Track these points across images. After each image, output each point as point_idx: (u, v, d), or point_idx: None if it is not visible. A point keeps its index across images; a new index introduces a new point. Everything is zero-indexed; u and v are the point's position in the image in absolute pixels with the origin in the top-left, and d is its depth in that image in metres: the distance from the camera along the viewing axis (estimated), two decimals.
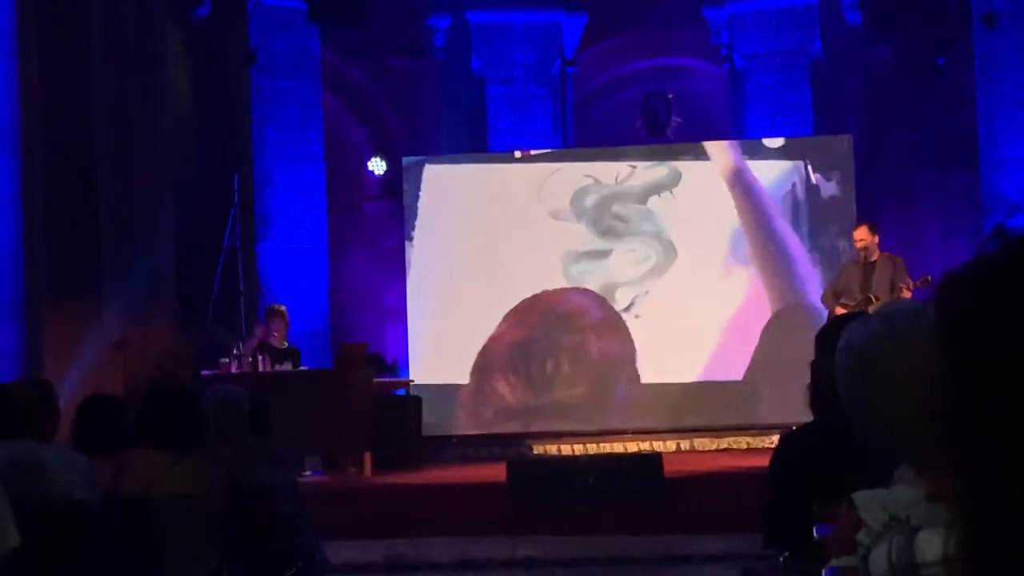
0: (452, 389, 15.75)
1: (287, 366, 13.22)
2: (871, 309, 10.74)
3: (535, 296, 15.92)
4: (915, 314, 2.32)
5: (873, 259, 12.89)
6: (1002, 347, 0.85)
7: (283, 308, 13.93)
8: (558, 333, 15.86)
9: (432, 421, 14.95)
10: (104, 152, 13.64)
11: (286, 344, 13.67)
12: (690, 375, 15.60)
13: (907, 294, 12.34)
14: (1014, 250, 0.91)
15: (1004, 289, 0.89)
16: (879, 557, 1.82)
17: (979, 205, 16.58)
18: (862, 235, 13.09)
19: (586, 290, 15.93)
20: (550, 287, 15.92)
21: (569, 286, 15.92)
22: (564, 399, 15.72)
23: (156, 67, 14.57)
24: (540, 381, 15.79)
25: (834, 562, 2.41)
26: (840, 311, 12.11)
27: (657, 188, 15.99)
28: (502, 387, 15.83)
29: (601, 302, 15.89)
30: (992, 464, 0.83)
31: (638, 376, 15.70)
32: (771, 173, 15.87)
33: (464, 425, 15.73)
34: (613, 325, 15.83)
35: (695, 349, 15.60)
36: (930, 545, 1.76)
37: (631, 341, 15.75)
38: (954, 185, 17.65)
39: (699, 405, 15.40)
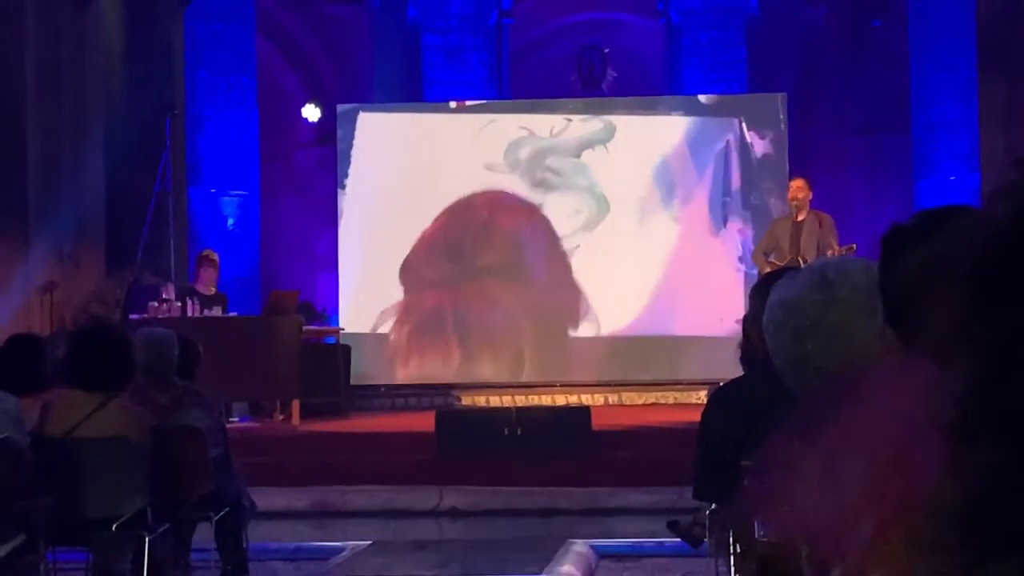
0: (382, 338, 15.73)
1: (215, 311, 13.14)
2: None
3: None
4: (844, 268, 2.34)
5: (802, 217, 12.66)
6: None
7: (215, 255, 13.83)
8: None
9: (361, 370, 14.92)
10: (34, 92, 13.46)
11: (214, 290, 13.58)
12: (620, 329, 15.65)
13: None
14: None
15: None
16: None
17: (909, 168, 16.70)
18: (799, 188, 12.76)
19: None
20: None
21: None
22: (490, 351, 15.74)
23: (88, 7, 14.37)
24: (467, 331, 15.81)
25: None
26: (769, 269, 12.04)
27: (591, 142, 15.98)
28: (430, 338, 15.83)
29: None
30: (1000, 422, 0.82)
31: (566, 330, 15.73)
32: (705, 130, 15.90)
33: (393, 375, 15.71)
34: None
35: (626, 304, 15.64)
36: None
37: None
38: (885, 147, 17.78)
39: (628, 360, 15.45)
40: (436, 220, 15.87)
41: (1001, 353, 0.82)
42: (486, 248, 15.85)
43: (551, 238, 15.84)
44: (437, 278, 15.82)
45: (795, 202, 12.70)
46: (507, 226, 15.90)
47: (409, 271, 15.83)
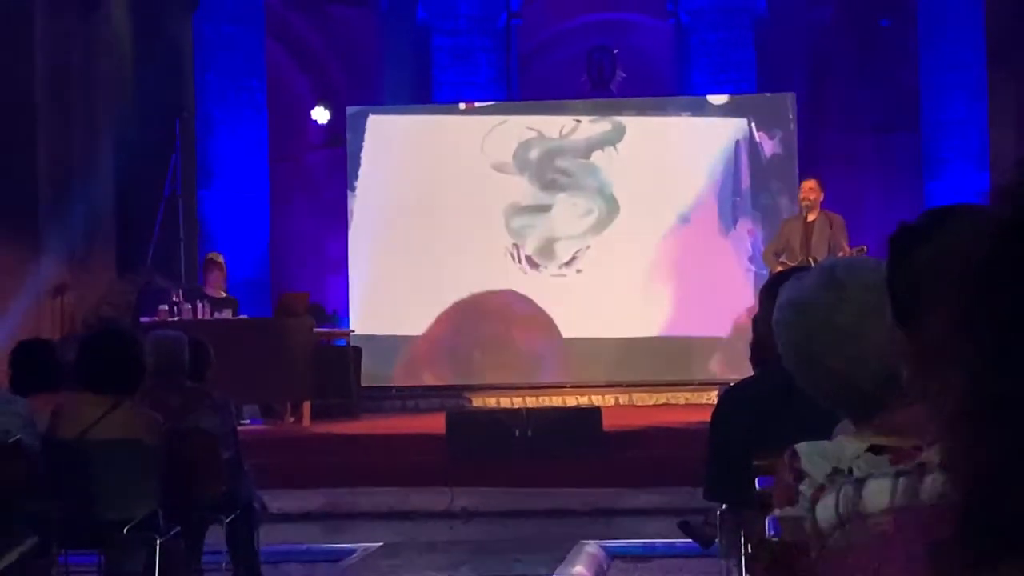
0: (392, 340, 15.73)
1: (226, 314, 13.15)
2: None
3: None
4: (853, 267, 2.34)
5: (813, 217, 12.64)
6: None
7: (220, 258, 13.83)
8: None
9: (372, 372, 14.93)
10: (43, 96, 13.49)
11: (223, 293, 13.59)
12: (630, 330, 15.63)
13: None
14: None
15: None
16: (827, 507, 1.82)
17: (919, 166, 16.68)
18: (811, 188, 12.73)
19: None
20: (491, 240, 15.86)
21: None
22: (501, 354, 15.74)
23: (98, 10, 14.40)
24: (477, 335, 15.81)
25: (776, 513, 2.43)
26: (780, 270, 12.01)
27: (601, 143, 15.97)
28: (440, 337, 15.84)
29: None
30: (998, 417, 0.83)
31: (577, 331, 15.72)
32: (714, 130, 15.89)
33: (404, 376, 15.71)
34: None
35: (636, 305, 15.63)
36: (877, 495, 1.77)
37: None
38: (895, 146, 17.75)
39: (638, 360, 15.44)
40: (447, 317, 15.80)
41: (1002, 350, 0.82)
42: (496, 365, 15.79)
43: (567, 354, 15.74)
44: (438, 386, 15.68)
45: (806, 202, 12.69)
46: (520, 340, 15.82)
47: (409, 369, 15.76)
